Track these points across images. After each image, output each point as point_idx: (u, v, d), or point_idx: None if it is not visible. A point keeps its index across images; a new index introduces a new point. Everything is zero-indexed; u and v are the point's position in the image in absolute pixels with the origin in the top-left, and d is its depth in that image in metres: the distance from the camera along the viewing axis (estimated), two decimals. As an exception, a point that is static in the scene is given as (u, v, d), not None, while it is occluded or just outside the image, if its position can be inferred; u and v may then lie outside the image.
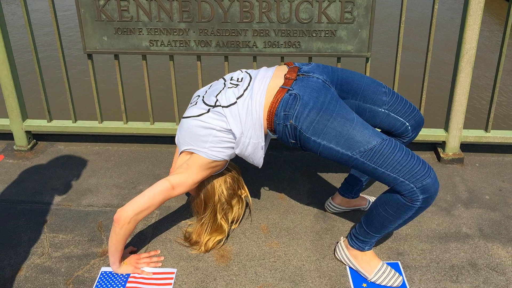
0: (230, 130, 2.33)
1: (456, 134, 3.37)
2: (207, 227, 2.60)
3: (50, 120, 3.60)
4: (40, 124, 3.60)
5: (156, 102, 3.62)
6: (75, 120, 3.59)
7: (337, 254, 2.56)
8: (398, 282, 2.40)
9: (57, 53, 3.43)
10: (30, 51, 3.42)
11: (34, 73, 3.49)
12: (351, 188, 2.82)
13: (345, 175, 3.02)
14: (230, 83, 2.45)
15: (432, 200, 2.16)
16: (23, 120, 3.58)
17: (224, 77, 2.55)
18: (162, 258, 2.58)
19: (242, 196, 2.74)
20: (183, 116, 2.50)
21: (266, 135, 2.39)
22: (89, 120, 3.64)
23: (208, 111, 2.38)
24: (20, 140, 3.59)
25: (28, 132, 3.61)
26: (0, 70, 3.39)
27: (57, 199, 3.04)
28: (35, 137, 3.70)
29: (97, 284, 2.42)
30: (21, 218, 2.87)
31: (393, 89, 3.08)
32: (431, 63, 3.29)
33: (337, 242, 2.62)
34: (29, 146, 3.58)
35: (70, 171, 3.32)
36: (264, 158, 2.45)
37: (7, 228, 2.80)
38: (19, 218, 2.87)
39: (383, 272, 2.43)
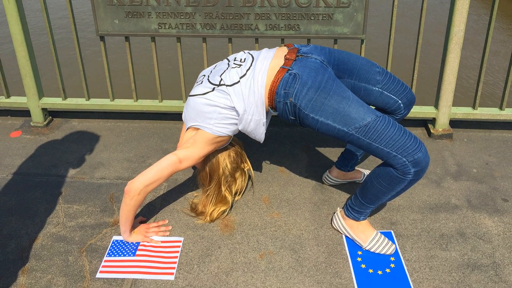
0: (234, 107, 2.30)
1: (446, 111, 3.34)
2: (212, 199, 2.59)
3: (65, 98, 3.57)
4: (55, 102, 3.56)
5: (164, 81, 3.59)
6: (88, 98, 3.56)
7: (334, 224, 2.54)
8: (391, 250, 2.39)
9: (71, 35, 3.38)
10: (46, 33, 3.38)
11: (50, 54, 3.45)
12: (347, 162, 2.79)
13: (342, 149, 2.99)
14: (234, 63, 2.42)
15: (423, 173, 2.13)
16: (40, 98, 3.54)
17: (228, 57, 2.52)
18: (170, 228, 2.57)
19: (245, 170, 2.73)
20: (190, 94, 2.47)
21: (267, 112, 2.37)
22: (102, 98, 3.61)
23: (213, 89, 2.35)
24: (37, 117, 3.56)
25: (44, 109, 3.57)
26: (18, 51, 3.35)
27: (71, 172, 3.02)
28: (51, 114, 3.67)
29: (109, 251, 2.41)
30: (38, 190, 2.85)
31: (386, 69, 3.04)
32: (422, 45, 3.26)
33: (334, 213, 2.60)
34: (45, 123, 3.55)
35: (83, 146, 3.30)
36: (265, 133, 2.43)
37: (24, 199, 2.78)
38: (35, 190, 2.85)
39: (377, 241, 2.41)
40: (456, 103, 3.42)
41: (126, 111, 3.67)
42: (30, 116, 3.59)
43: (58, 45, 3.47)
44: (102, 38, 3.33)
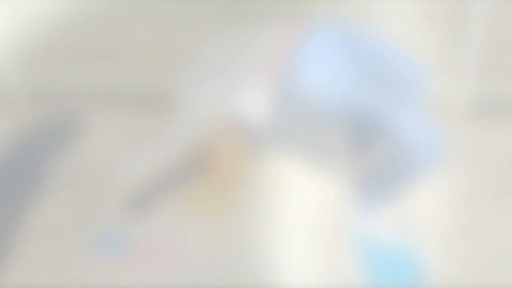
0: (232, 92, 2.29)
1: (467, 92, 3.30)
2: (209, 192, 2.59)
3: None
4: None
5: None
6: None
7: (342, 218, 2.53)
8: (403, 244, 2.38)
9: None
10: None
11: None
12: (355, 152, 2.79)
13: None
14: (232, 47, 2.40)
15: (439, 162, 2.12)
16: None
17: (225, 41, 2.50)
18: (164, 222, 2.56)
19: (245, 161, 2.73)
20: (185, 78, 2.47)
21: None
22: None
23: (211, 74, 2.36)
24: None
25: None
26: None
27: (57, 162, 3.00)
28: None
29: (98, 246, 2.41)
30: (20, 183, 2.83)
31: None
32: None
33: (341, 208, 2.59)
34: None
35: (68, 133, 3.28)
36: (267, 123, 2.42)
37: (6, 192, 2.78)
38: (18, 183, 2.84)
39: (386, 235, 2.41)
40: (478, 82, 3.37)
41: (117, 96, 3.64)
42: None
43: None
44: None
